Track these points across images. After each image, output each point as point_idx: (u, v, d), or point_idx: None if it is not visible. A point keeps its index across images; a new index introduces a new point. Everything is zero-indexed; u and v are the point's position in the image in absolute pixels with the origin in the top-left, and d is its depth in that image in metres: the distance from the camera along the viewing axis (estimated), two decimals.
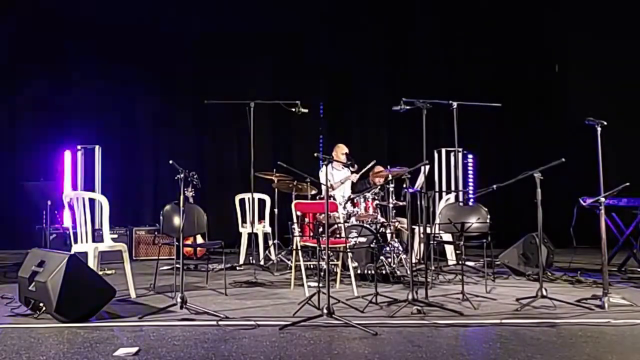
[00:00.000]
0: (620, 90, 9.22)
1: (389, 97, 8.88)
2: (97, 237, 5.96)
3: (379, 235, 6.12)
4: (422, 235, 5.88)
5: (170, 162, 4.65)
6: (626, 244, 6.70)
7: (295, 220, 5.72)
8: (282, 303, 4.88)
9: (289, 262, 6.55)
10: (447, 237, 6.50)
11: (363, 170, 7.06)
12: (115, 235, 7.55)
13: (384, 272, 5.97)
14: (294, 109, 6.79)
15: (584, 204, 6.18)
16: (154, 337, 3.74)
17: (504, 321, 4.17)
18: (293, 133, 10.12)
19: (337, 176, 7.23)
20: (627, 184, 4.97)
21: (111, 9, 9.32)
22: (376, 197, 6.50)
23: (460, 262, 5.95)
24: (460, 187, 7.92)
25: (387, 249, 6.15)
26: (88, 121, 9.04)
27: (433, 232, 6.20)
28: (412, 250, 6.31)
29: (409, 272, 5.13)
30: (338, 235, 5.98)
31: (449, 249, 7.28)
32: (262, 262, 7.01)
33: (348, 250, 5.59)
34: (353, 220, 6.35)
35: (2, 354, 3.36)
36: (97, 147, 7.87)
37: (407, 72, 10.21)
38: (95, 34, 9.31)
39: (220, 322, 4.11)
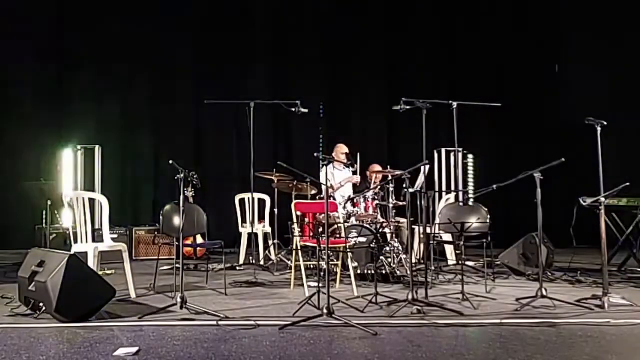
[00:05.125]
0: (620, 90, 9.21)
1: (389, 97, 8.91)
2: (97, 237, 5.96)
3: (379, 235, 6.12)
4: (422, 235, 5.88)
5: (170, 162, 4.65)
6: (626, 244, 6.70)
7: (295, 220, 5.72)
8: (282, 303, 4.88)
9: (289, 262, 6.54)
10: (447, 237, 6.49)
11: (358, 167, 7.03)
12: (115, 235, 7.54)
13: (384, 272, 5.97)
14: (294, 109, 6.79)
15: (584, 204, 6.18)
16: (154, 337, 3.74)
17: (504, 321, 4.17)
18: (293, 133, 10.12)
19: (338, 176, 7.22)
20: (627, 184, 4.98)
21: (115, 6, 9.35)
22: (376, 197, 6.49)
23: (460, 262, 5.95)
24: (460, 187, 7.91)
25: (387, 249, 6.15)
26: (88, 121, 9.04)
27: (433, 232, 6.20)
28: (412, 250, 6.31)
29: (409, 272, 5.13)
30: (338, 235, 5.98)
31: (449, 249, 7.27)
32: (262, 262, 7.01)
33: (348, 250, 5.58)
34: (353, 220, 6.35)
35: (2, 354, 3.36)
36: (97, 147, 7.87)
37: (407, 72, 10.20)
38: (95, 34, 9.32)
39: (220, 322, 4.11)
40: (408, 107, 5.75)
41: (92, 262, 4.89)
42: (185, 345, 3.56)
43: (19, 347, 3.51)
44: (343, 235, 5.76)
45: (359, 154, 6.98)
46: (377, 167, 7.20)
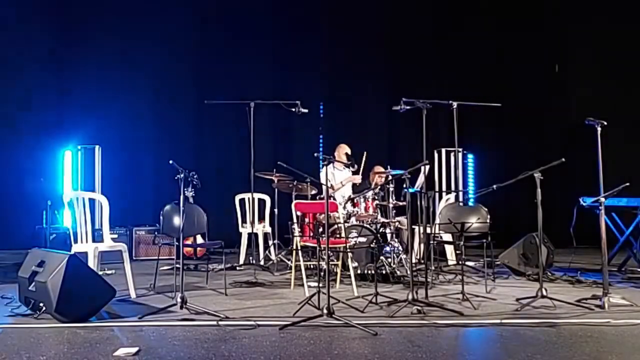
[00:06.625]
0: (620, 90, 9.21)
1: (389, 97, 8.90)
2: (97, 237, 5.96)
3: (379, 235, 6.12)
4: (422, 235, 5.88)
5: (170, 162, 4.65)
6: (626, 244, 6.70)
7: (295, 220, 5.72)
8: (282, 303, 4.89)
9: (289, 262, 6.54)
10: (447, 237, 6.49)
11: (361, 168, 7.03)
12: (115, 235, 7.53)
13: (384, 272, 5.97)
14: (294, 109, 6.79)
15: (584, 204, 6.18)
16: (154, 337, 3.74)
17: (504, 321, 4.17)
18: (293, 133, 10.12)
19: (339, 176, 7.22)
20: (627, 184, 4.97)
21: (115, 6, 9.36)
22: (376, 197, 6.49)
23: (460, 262, 5.95)
24: (460, 187, 7.91)
25: (387, 249, 6.15)
26: (88, 121, 9.03)
27: (433, 232, 6.20)
28: (412, 250, 6.31)
29: (409, 272, 5.13)
30: (338, 235, 5.98)
31: (449, 249, 7.28)
32: (262, 262, 7.01)
33: (348, 250, 5.58)
34: (353, 220, 6.35)
35: (2, 354, 3.36)
36: (97, 147, 7.86)
37: (407, 72, 10.20)
38: (94, 34, 9.32)
39: (220, 322, 4.11)
40: (408, 107, 5.75)
41: (92, 262, 4.89)
42: (185, 345, 3.56)
43: (19, 347, 3.51)
44: (343, 235, 5.75)
45: (365, 154, 6.99)
46: (380, 169, 7.19)
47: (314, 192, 6.99)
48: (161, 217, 5.61)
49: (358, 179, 7.12)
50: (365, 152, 7.02)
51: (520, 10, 10.03)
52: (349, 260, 5.61)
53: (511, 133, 10.20)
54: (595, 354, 3.39)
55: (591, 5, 9.53)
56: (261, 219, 7.66)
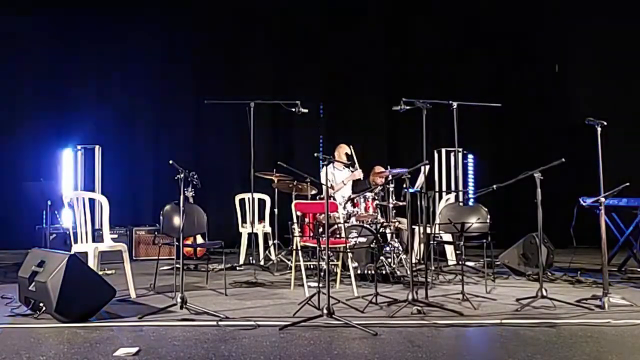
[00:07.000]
0: (620, 90, 9.21)
1: (389, 97, 8.91)
2: (97, 237, 5.96)
3: (379, 235, 6.12)
4: (422, 235, 5.88)
5: (170, 162, 4.65)
6: (626, 244, 6.70)
7: (295, 220, 5.72)
8: (282, 303, 4.89)
9: (289, 262, 6.55)
10: (447, 237, 6.49)
11: (355, 161, 7.01)
12: (115, 235, 7.54)
13: (384, 272, 5.97)
14: (294, 109, 6.79)
15: (584, 204, 6.18)
16: (154, 337, 3.74)
17: (504, 321, 4.17)
18: (293, 133, 10.13)
19: (339, 176, 7.22)
20: (627, 184, 4.98)
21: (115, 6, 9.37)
22: (376, 197, 6.49)
23: (460, 262, 5.95)
24: (460, 187, 7.91)
25: (387, 249, 6.15)
26: (88, 121, 9.04)
27: (433, 232, 6.20)
28: (412, 250, 6.31)
29: (409, 272, 5.13)
30: (338, 236, 5.98)
31: (449, 249, 7.28)
32: (262, 262, 7.01)
33: (348, 250, 5.58)
34: (353, 220, 6.35)
35: (2, 354, 3.36)
36: (97, 147, 7.86)
37: (407, 72, 10.20)
38: (94, 34, 9.32)
39: (220, 322, 4.11)
40: (408, 107, 5.75)
41: (92, 262, 4.89)
42: (185, 345, 3.56)
43: (19, 347, 3.51)
44: (343, 235, 5.76)
45: (351, 147, 6.96)
46: (380, 169, 7.19)
47: (314, 192, 6.99)
48: (161, 217, 5.61)
49: (359, 174, 7.12)
50: (350, 146, 7.01)
51: (520, 10, 10.04)
52: (349, 260, 5.61)
53: (511, 133, 10.20)
54: (595, 354, 3.39)
55: (591, 5, 9.53)
56: (261, 219, 7.66)
